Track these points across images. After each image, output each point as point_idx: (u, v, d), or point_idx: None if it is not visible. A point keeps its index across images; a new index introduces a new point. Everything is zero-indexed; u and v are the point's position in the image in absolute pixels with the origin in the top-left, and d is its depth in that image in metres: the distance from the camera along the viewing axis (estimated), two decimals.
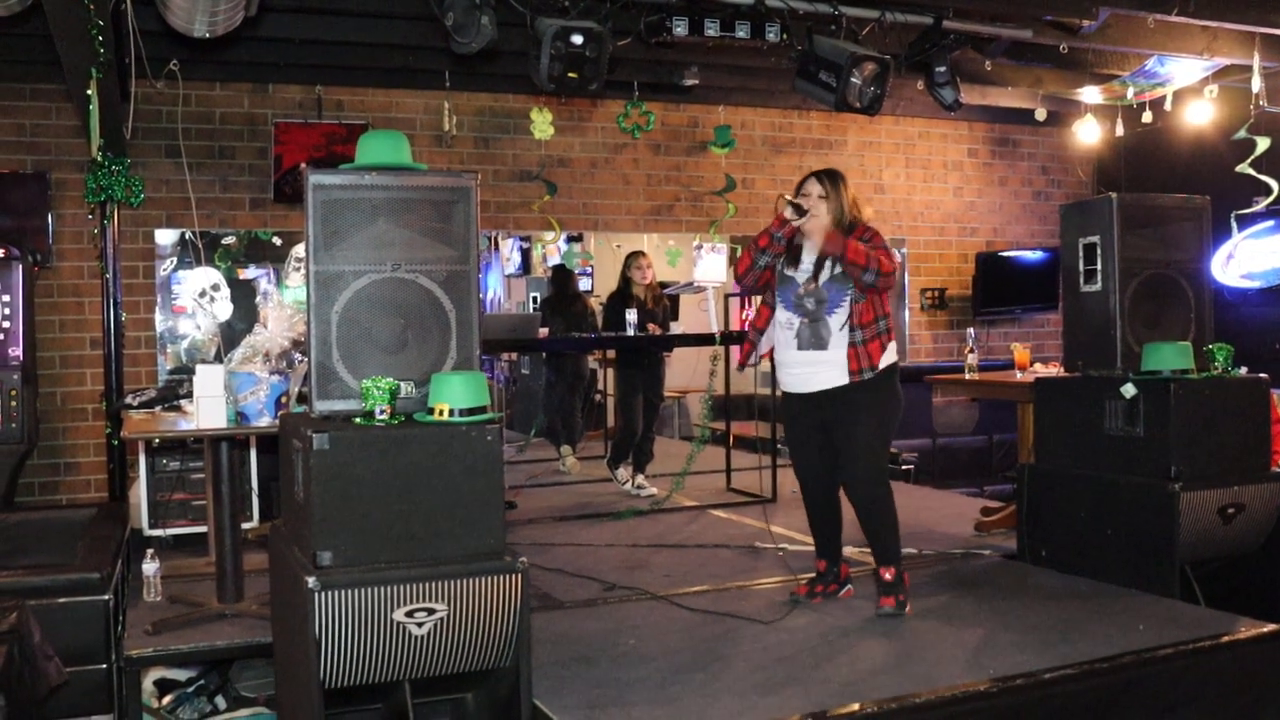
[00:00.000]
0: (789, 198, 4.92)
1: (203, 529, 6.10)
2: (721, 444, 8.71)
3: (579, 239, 11.82)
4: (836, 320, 4.87)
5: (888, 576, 4.90)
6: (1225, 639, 4.47)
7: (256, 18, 5.82)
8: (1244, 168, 8.34)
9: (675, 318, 9.73)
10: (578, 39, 5.74)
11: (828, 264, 4.88)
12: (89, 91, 5.68)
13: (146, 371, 8.08)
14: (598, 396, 11.24)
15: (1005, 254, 10.77)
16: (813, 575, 5.24)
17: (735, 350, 5.64)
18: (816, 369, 4.92)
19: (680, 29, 5.87)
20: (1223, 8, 6.80)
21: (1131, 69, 8.14)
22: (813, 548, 5.30)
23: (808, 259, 4.98)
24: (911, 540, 6.43)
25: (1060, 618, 4.78)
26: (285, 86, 8.43)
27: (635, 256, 8.38)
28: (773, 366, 5.29)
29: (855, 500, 4.98)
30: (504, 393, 12.55)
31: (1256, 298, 9.47)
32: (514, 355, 12.07)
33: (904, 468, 9.00)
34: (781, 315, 5.02)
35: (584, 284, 12.08)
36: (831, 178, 5.00)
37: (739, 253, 5.17)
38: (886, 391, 4.94)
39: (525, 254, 13.72)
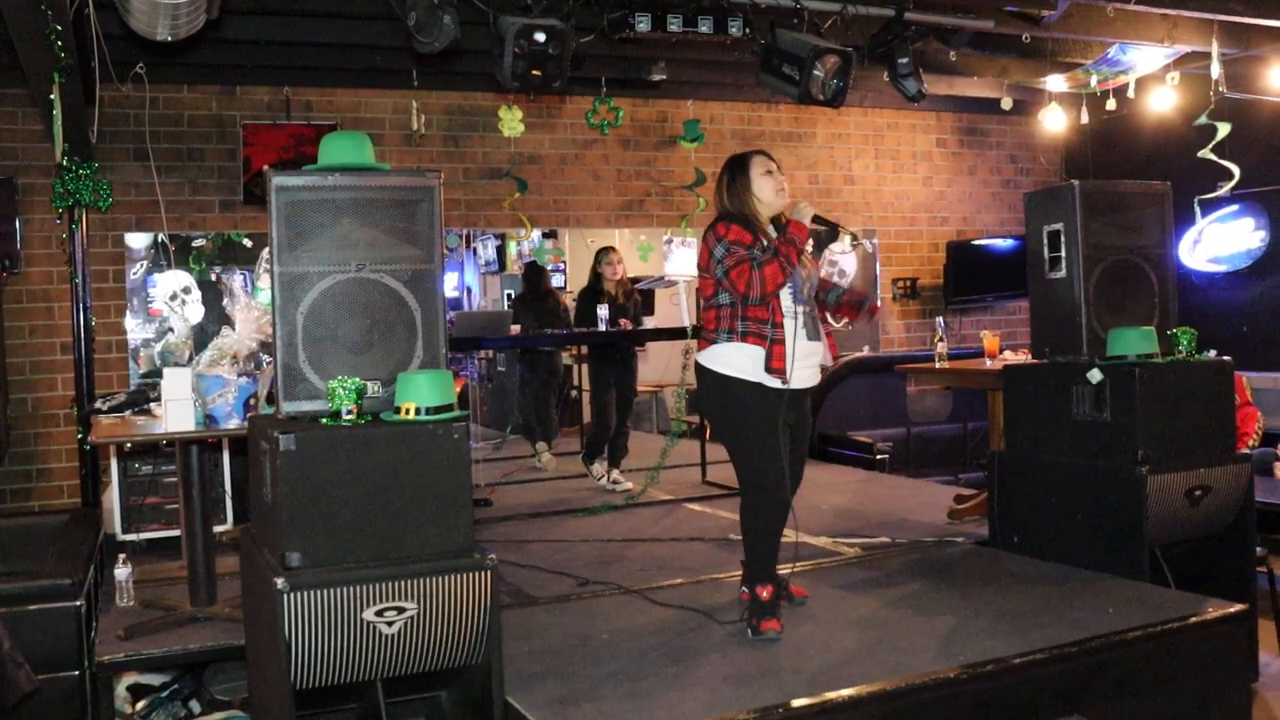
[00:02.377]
0: (816, 215, 4.73)
1: (177, 533, 6.09)
2: (696, 437, 8.73)
3: (551, 235, 11.83)
4: (813, 309, 4.76)
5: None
6: (1193, 620, 4.51)
7: (219, 20, 5.81)
8: (1206, 153, 8.42)
9: (650, 312, 9.76)
10: (540, 37, 5.75)
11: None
12: (51, 96, 5.66)
13: (118, 375, 8.06)
14: (573, 393, 11.25)
15: (976, 242, 10.83)
16: (774, 589, 4.70)
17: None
18: (815, 361, 4.73)
19: (643, 25, 5.88)
20: None
21: (1094, 57, 8.21)
22: (790, 539, 5.14)
23: None
24: (885, 529, 6.48)
25: (1031, 603, 4.82)
26: (253, 88, 8.42)
27: (605, 252, 8.40)
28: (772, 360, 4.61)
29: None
30: (479, 390, 12.55)
31: (1223, 281, 9.56)
32: (488, 353, 12.07)
33: (879, 457, 9.03)
34: (787, 305, 4.63)
35: (557, 280, 12.09)
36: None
37: (757, 268, 4.50)
38: None
39: (499, 251, 13.73)
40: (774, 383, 4.57)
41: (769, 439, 4.62)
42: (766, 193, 4.72)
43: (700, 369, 4.76)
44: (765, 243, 4.62)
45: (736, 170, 4.81)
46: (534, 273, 9.91)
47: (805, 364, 4.65)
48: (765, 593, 4.60)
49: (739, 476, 4.78)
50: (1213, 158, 8.39)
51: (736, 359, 4.61)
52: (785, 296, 4.61)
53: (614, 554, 6.17)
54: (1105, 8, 6.90)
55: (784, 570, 4.92)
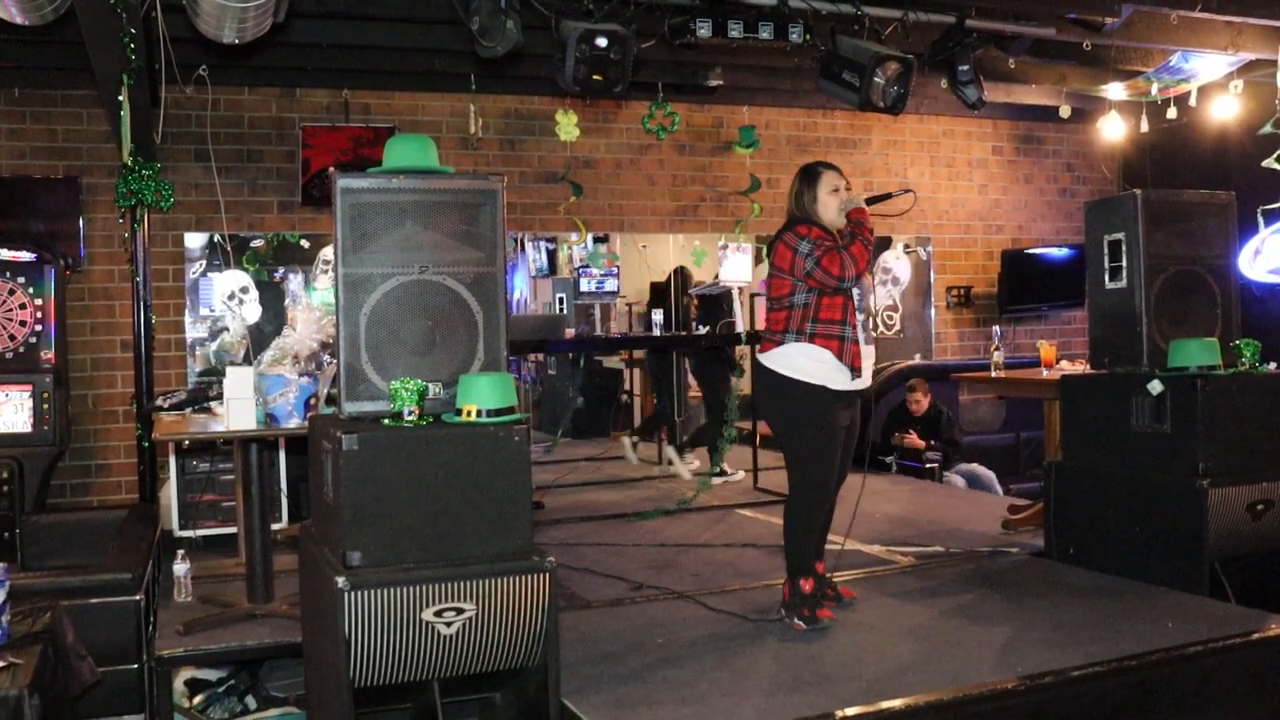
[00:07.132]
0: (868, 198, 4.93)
1: (232, 530, 6.16)
2: (748, 443, 8.72)
3: (603, 240, 11.83)
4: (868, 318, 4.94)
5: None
6: (1255, 636, 4.45)
7: (284, 23, 5.86)
8: (1270, 163, 8.31)
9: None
10: (602, 42, 5.77)
11: None
12: (120, 97, 5.74)
13: (176, 374, 8.14)
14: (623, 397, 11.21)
15: (1031, 251, 10.74)
16: (815, 583, 4.85)
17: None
18: (871, 364, 4.92)
19: (704, 30, 5.88)
20: (1246, 2, 6.76)
21: (1155, 65, 8.12)
22: (838, 547, 5.27)
23: None
24: (939, 538, 6.44)
25: (1088, 615, 4.78)
26: (313, 90, 8.48)
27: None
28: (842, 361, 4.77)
29: (832, 503, 5.07)
30: (531, 393, 12.56)
31: None
32: (540, 356, 12.07)
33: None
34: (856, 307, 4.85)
35: (610, 285, 12.04)
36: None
37: (844, 250, 4.70)
38: None
39: (551, 255, 13.74)
40: (837, 385, 4.72)
41: (825, 443, 4.78)
42: (830, 212, 4.87)
43: (762, 369, 4.86)
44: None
45: (807, 182, 4.93)
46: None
47: (866, 365, 4.84)
48: (808, 585, 4.79)
49: (789, 475, 4.91)
50: (1277, 167, 8.29)
51: (802, 362, 4.73)
52: (855, 298, 4.80)
53: (667, 559, 6.17)
54: (1168, 15, 6.82)
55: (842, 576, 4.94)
